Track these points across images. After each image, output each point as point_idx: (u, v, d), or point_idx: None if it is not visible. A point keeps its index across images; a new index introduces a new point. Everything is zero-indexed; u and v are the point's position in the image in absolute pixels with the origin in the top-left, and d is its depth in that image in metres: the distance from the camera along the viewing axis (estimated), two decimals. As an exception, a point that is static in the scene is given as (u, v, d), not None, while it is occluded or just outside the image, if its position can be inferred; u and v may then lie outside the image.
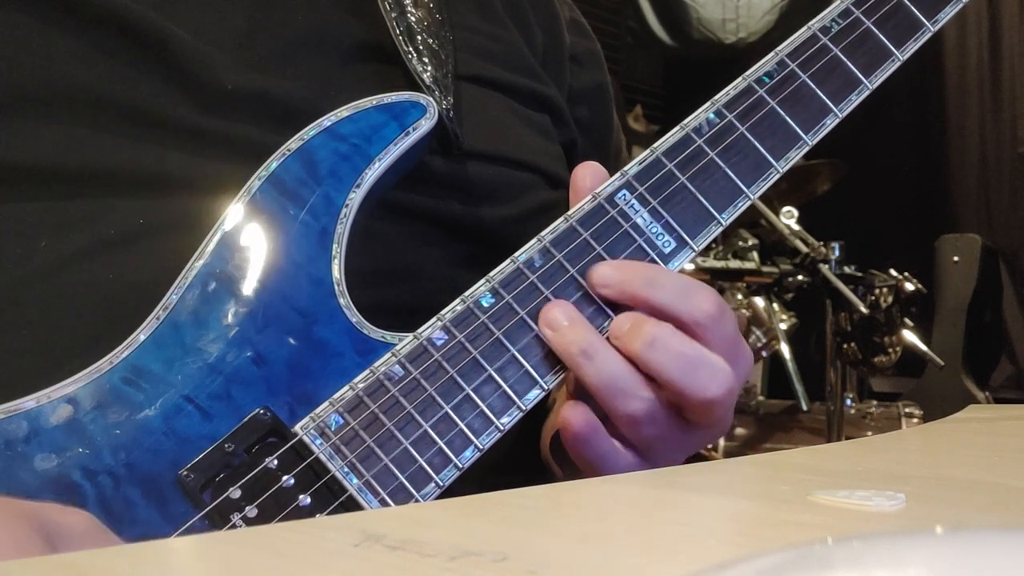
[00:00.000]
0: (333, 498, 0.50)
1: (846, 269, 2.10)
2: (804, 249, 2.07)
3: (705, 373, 0.51)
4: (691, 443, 0.56)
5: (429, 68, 0.63)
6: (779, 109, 0.60)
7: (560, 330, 0.53)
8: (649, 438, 0.53)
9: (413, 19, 0.65)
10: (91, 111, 0.57)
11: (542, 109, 0.73)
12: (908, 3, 0.63)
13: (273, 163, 0.55)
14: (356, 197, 0.56)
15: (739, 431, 2.34)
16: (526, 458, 0.70)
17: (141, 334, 0.51)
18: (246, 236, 0.54)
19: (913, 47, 0.62)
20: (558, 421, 0.54)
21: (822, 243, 2.09)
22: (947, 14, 0.64)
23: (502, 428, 0.52)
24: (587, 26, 0.83)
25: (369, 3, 0.64)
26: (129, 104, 0.58)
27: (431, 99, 0.59)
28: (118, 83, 0.58)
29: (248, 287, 0.53)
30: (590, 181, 0.57)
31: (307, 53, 0.63)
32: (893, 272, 2.09)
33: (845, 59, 0.61)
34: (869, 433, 2.22)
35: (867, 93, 0.61)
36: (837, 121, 0.61)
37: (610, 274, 0.54)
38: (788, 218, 2.13)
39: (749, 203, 0.58)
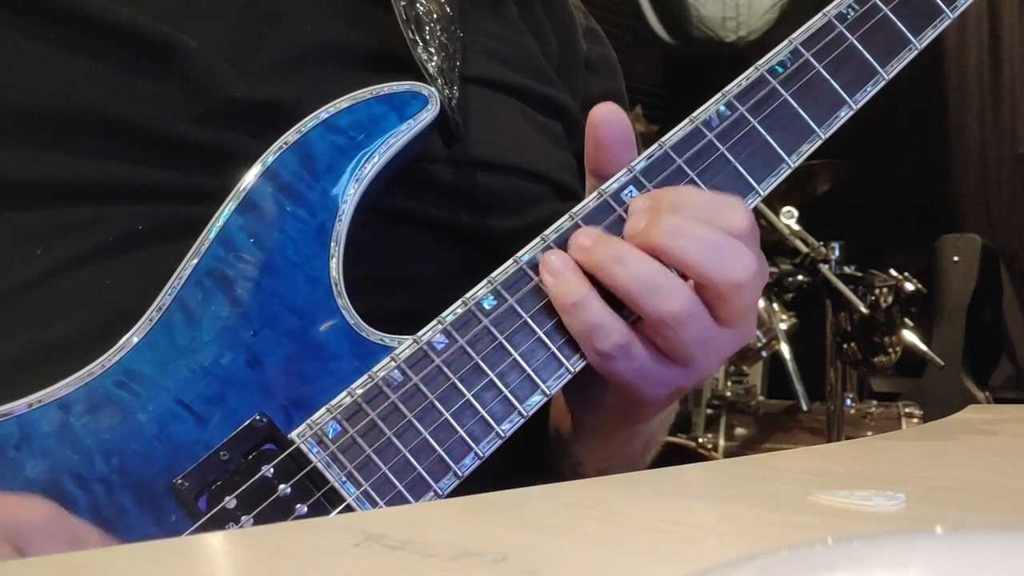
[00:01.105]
0: (331, 508, 0.49)
1: (846, 269, 2.10)
2: (804, 249, 2.07)
3: (730, 256, 0.51)
4: (725, 346, 0.55)
5: (435, 59, 0.61)
6: (792, 101, 0.58)
7: (587, 249, 0.52)
8: (688, 342, 0.53)
9: (422, 9, 0.64)
10: (93, 124, 0.57)
11: (555, 116, 0.72)
12: None
13: (269, 157, 0.54)
14: (355, 193, 0.54)
15: (739, 431, 2.34)
16: (526, 460, 0.70)
17: (134, 336, 0.50)
18: (240, 234, 0.53)
19: (932, 34, 0.60)
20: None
21: (822, 243, 2.08)
22: (965, 0, 0.61)
23: (503, 435, 0.52)
24: (602, 34, 0.82)
25: (377, 9, 0.64)
26: (131, 116, 0.57)
27: (433, 89, 0.57)
28: (121, 95, 0.58)
29: (243, 287, 0.52)
30: (613, 128, 0.56)
31: (314, 61, 0.62)
32: (893, 272, 2.08)
33: (861, 48, 0.59)
34: (869, 433, 2.22)
35: (883, 84, 0.59)
36: (851, 113, 0.59)
37: (640, 204, 0.54)
38: (788, 218, 2.13)
39: (759, 199, 0.57)
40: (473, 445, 0.51)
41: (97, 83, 0.58)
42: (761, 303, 2.31)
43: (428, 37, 0.62)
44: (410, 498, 0.50)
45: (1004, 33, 3.60)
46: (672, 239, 0.51)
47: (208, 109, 0.58)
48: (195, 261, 0.52)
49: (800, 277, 2.16)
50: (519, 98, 0.69)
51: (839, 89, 0.58)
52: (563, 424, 0.68)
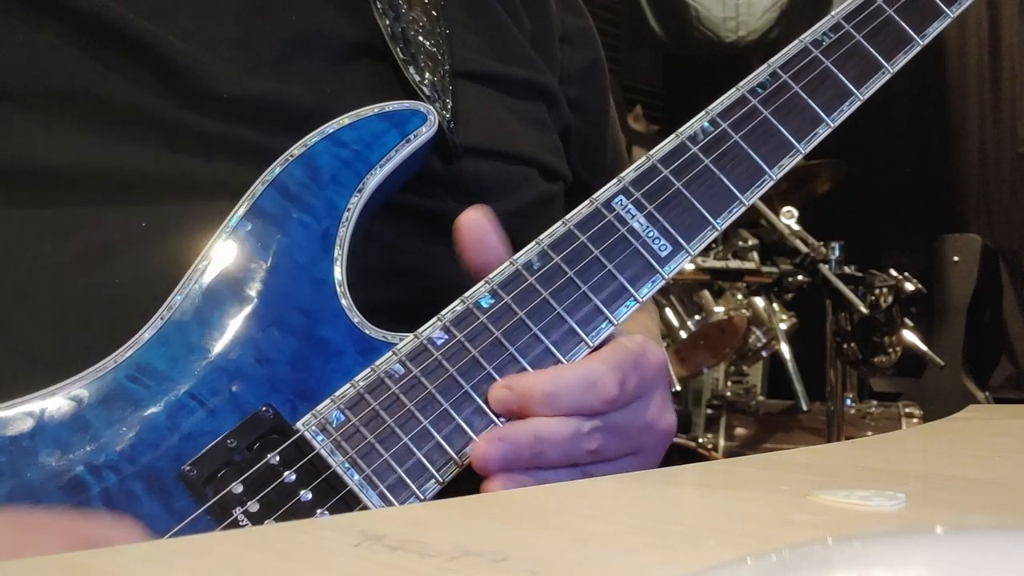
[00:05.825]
0: (334, 493, 0.50)
1: (846, 269, 2.10)
2: (804, 249, 2.07)
3: (580, 442, 0.52)
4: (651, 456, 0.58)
5: (426, 74, 0.63)
6: (772, 119, 0.61)
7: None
8: (617, 452, 0.55)
9: (409, 19, 0.64)
10: (90, 116, 0.57)
11: (536, 98, 0.72)
12: (897, 18, 0.64)
13: (276, 168, 0.56)
14: (358, 201, 0.56)
15: (739, 431, 2.35)
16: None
17: (146, 333, 0.52)
18: (249, 238, 0.55)
19: (903, 60, 0.64)
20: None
21: (822, 243, 2.08)
22: (935, 28, 0.65)
23: (500, 426, 0.53)
24: (579, 2, 0.82)
25: (361, 2, 0.64)
26: (127, 109, 0.58)
27: (431, 108, 0.59)
28: (115, 88, 0.58)
29: (251, 288, 0.54)
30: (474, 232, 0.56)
31: (301, 55, 0.62)
32: (893, 272, 2.08)
33: (836, 71, 0.62)
34: (869, 433, 2.22)
35: (858, 104, 0.62)
36: (829, 131, 0.62)
37: (508, 397, 0.53)
38: (788, 218, 2.13)
39: (744, 209, 0.59)
40: (472, 435, 0.52)
41: (93, 75, 0.58)
42: (761, 303, 2.31)
43: (415, 51, 0.63)
44: (411, 484, 0.51)
45: (1004, 33, 3.61)
46: (541, 460, 0.51)
47: (200, 104, 0.58)
48: (204, 263, 0.54)
49: (800, 277, 2.16)
50: (498, 87, 0.69)
51: (816, 108, 0.61)
52: None
